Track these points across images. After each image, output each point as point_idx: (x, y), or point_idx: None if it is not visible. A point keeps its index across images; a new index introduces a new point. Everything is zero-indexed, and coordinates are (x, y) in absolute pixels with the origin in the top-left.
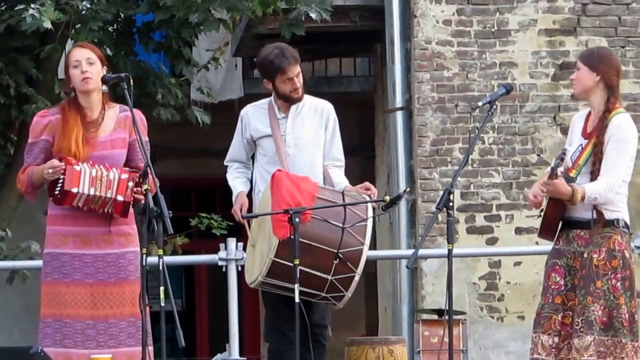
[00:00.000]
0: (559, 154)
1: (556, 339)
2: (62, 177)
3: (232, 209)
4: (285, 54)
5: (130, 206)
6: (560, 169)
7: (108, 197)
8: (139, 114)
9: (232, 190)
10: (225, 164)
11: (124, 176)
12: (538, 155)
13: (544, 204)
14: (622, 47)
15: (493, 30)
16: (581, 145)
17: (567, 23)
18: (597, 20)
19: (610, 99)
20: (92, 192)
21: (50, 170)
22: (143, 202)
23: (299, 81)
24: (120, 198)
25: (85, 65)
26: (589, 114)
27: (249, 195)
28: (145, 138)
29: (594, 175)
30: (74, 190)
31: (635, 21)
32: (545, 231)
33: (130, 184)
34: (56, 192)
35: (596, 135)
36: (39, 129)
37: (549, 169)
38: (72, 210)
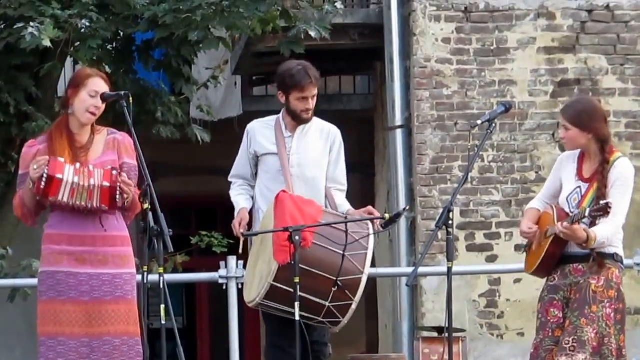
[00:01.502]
0: (602, 205)
1: None
2: (46, 169)
3: (232, 223)
4: (309, 73)
5: (118, 196)
6: (601, 221)
7: (92, 184)
8: (127, 138)
9: (234, 206)
10: (229, 179)
11: (108, 167)
12: (537, 172)
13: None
14: (621, 64)
15: (492, 48)
16: (579, 187)
17: (566, 41)
18: (596, 38)
19: (605, 148)
20: (76, 180)
21: (35, 166)
22: (142, 218)
23: (312, 103)
24: (106, 183)
25: (100, 96)
26: (582, 155)
27: (250, 212)
28: (134, 162)
29: (594, 221)
30: (58, 175)
31: (634, 39)
32: (543, 268)
33: (114, 172)
34: (42, 184)
35: (597, 181)
36: (28, 159)
37: (533, 207)
38: (69, 229)
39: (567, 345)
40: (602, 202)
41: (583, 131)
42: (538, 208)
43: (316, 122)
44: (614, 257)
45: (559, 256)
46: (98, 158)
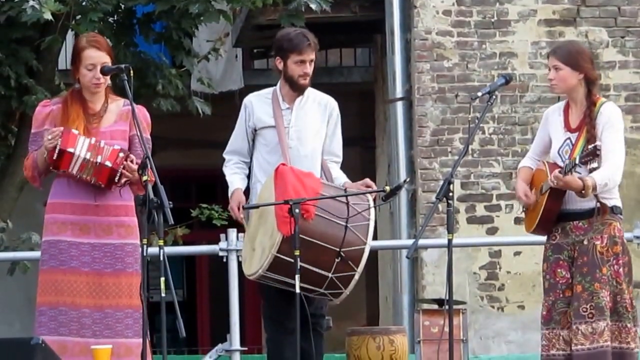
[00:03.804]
0: (590, 150)
1: None
2: (59, 141)
3: (229, 206)
4: (307, 36)
5: (117, 178)
6: (594, 165)
7: (98, 161)
8: (143, 111)
9: (229, 184)
10: (224, 155)
11: (117, 147)
12: None
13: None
14: (622, 37)
15: (493, 20)
16: (569, 139)
17: (566, 13)
18: (596, 10)
19: (592, 91)
20: (87, 157)
21: (50, 137)
22: (142, 192)
23: (310, 69)
24: (108, 164)
25: (100, 70)
26: (567, 107)
27: (246, 190)
28: (147, 135)
29: (590, 168)
30: (70, 149)
31: (634, 11)
32: (542, 225)
33: (121, 154)
34: (54, 156)
35: (586, 128)
36: (41, 119)
37: (525, 165)
38: (72, 198)
39: (585, 312)
40: (589, 146)
41: (575, 71)
42: (530, 166)
43: (313, 93)
44: (613, 210)
45: (558, 211)
46: (109, 126)
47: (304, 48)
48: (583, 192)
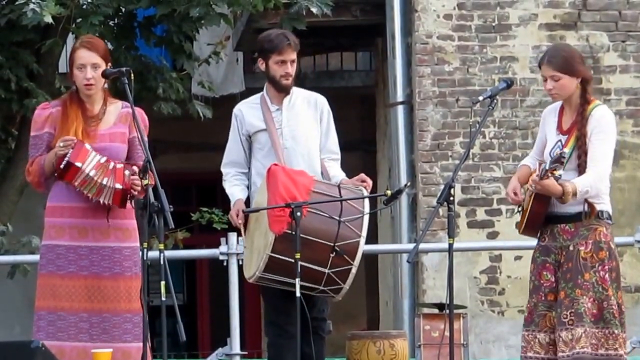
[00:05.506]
0: (556, 156)
1: (552, 336)
2: (70, 150)
3: (229, 214)
4: (287, 37)
5: (128, 196)
6: (560, 172)
7: (104, 184)
8: (140, 113)
9: (230, 198)
10: (222, 169)
11: (120, 165)
12: None
13: (523, 198)
14: (623, 41)
15: (494, 24)
16: (560, 141)
17: (567, 17)
18: (597, 14)
19: (586, 89)
20: (92, 174)
21: (62, 144)
22: (142, 196)
23: (292, 69)
24: (118, 186)
25: (90, 71)
26: (562, 108)
27: (248, 200)
28: (145, 137)
29: (581, 169)
30: (78, 164)
31: (635, 15)
32: (530, 227)
33: (127, 172)
34: (61, 166)
35: (577, 128)
36: (40, 122)
37: (524, 163)
38: (70, 201)
39: (566, 319)
40: (557, 152)
41: (572, 77)
42: (529, 165)
43: (301, 92)
44: (599, 214)
45: (544, 214)
46: (109, 128)
47: (283, 48)
48: (562, 197)
